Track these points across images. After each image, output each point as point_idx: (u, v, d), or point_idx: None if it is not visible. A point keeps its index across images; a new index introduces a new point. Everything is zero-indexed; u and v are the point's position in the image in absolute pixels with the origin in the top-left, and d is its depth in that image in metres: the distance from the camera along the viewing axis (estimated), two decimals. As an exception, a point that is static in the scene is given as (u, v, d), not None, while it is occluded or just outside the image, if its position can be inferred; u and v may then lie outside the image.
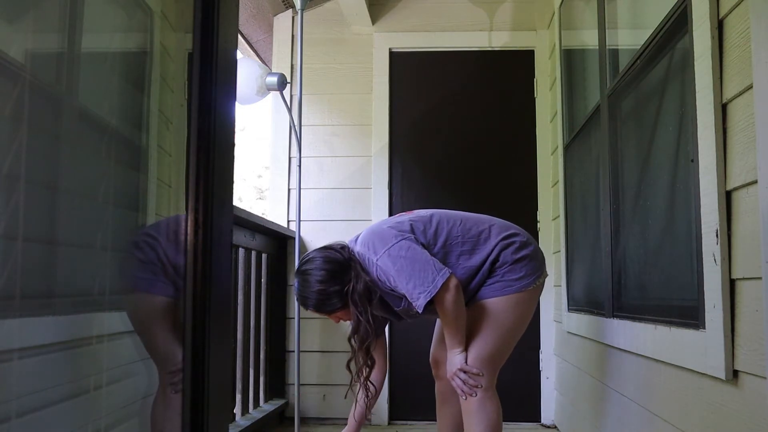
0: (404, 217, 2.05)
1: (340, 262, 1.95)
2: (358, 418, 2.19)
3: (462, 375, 1.95)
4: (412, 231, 1.96)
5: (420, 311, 1.88)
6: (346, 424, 2.23)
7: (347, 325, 2.05)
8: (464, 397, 1.96)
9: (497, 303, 1.97)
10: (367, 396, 2.09)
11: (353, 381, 2.07)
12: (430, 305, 1.87)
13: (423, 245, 1.93)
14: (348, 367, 2.05)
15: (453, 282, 1.86)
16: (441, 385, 2.25)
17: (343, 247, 2.01)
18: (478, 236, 1.99)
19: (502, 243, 1.98)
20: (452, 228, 2.00)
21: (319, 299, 1.94)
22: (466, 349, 1.96)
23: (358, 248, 1.98)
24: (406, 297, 1.93)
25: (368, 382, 2.06)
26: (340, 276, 1.93)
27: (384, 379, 2.22)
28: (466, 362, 1.95)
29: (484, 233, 2.00)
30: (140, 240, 0.95)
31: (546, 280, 2.09)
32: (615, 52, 2.26)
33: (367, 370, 2.04)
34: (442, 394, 2.25)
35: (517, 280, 1.96)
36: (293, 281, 3.09)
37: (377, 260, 1.92)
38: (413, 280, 1.86)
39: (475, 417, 1.95)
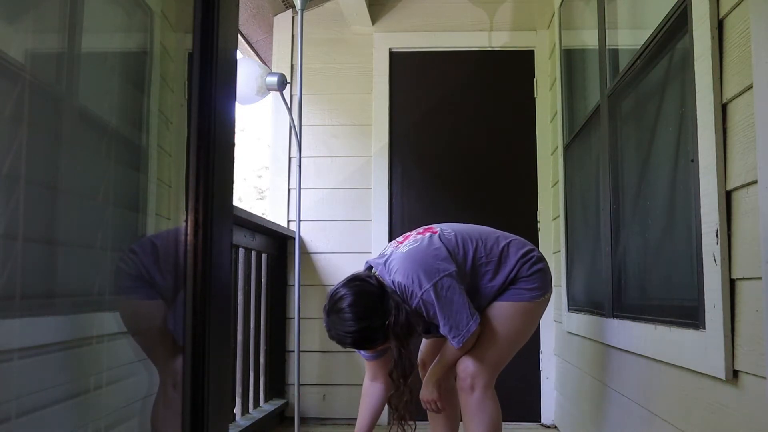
0: (435, 240, 1.96)
1: (375, 294, 1.87)
2: None
3: (431, 405, 2.01)
4: (452, 258, 1.92)
5: (456, 347, 1.91)
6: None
7: None
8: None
9: (508, 308, 2.00)
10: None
11: (395, 418, 1.96)
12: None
13: (457, 273, 1.91)
14: (389, 403, 1.98)
15: (479, 327, 1.92)
16: None
17: (369, 275, 1.94)
18: (499, 255, 2.00)
19: (521, 261, 2.01)
20: (476, 249, 1.99)
21: (362, 337, 1.87)
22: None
23: (398, 278, 1.88)
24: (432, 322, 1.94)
25: (408, 419, 1.97)
26: (379, 308, 1.85)
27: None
28: (437, 392, 2.00)
29: (503, 251, 2.01)
30: (124, 253, 0.96)
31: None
32: (615, 52, 2.26)
33: (411, 405, 1.95)
34: None
35: (529, 290, 2.00)
36: (294, 282, 3.09)
37: (422, 294, 1.86)
38: (450, 321, 1.87)
39: (474, 418, 1.96)
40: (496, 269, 1.99)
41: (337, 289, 1.90)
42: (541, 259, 2.07)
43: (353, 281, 1.91)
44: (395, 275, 1.89)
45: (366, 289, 1.88)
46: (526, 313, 2.02)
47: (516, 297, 2.00)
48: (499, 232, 2.09)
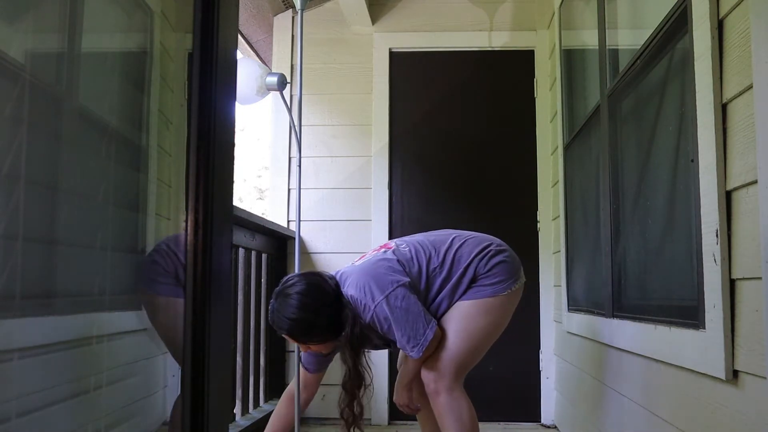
0: (389, 254, 2.00)
1: (329, 294, 1.91)
2: None
3: (406, 408, 2.08)
4: (405, 271, 1.94)
5: (416, 357, 1.92)
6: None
7: None
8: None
9: (468, 307, 1.98)
10: None
11: (346, 427, 2.01)
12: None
13: (411, 284, 1.93)
14: (342, 416, 2.00)
15: (437, 333, 1.92)
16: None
17: (331, 277, 1.97)
18: (452, 258, 1.99)
19: (477, 258, 1.99)
20: (429, 258, 1.99)
21: (299, 329, 1.88)
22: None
23: (351, 291, 1.91)
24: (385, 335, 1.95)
25: (361, 427, 2.03)
26: (327, 308, 1.89)
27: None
28: (408, 395, 2.06)
29: (456, 253, 2.00)
30: (160, 249, 0.96)
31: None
32: (615, 52, 2.26)
33: (359, 419, 2.00)
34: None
35: (490, 285, 1.98)
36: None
37: (375, 307, 1.88)
38: (407, 333, 1.88)
39: (447, 419, 1.96)
40: (449, 273, 1.98)
41: (292, 276, 1.94)
42: (501, 251, 2.03)
43: (311, 274, 1.95)
44: (348, 288, 1.92)
45: (321, 285, 1.91)
46: (491, 310, 1.98)
47: (476, 294, 1.97)
48: (457, 233, 2.08)
